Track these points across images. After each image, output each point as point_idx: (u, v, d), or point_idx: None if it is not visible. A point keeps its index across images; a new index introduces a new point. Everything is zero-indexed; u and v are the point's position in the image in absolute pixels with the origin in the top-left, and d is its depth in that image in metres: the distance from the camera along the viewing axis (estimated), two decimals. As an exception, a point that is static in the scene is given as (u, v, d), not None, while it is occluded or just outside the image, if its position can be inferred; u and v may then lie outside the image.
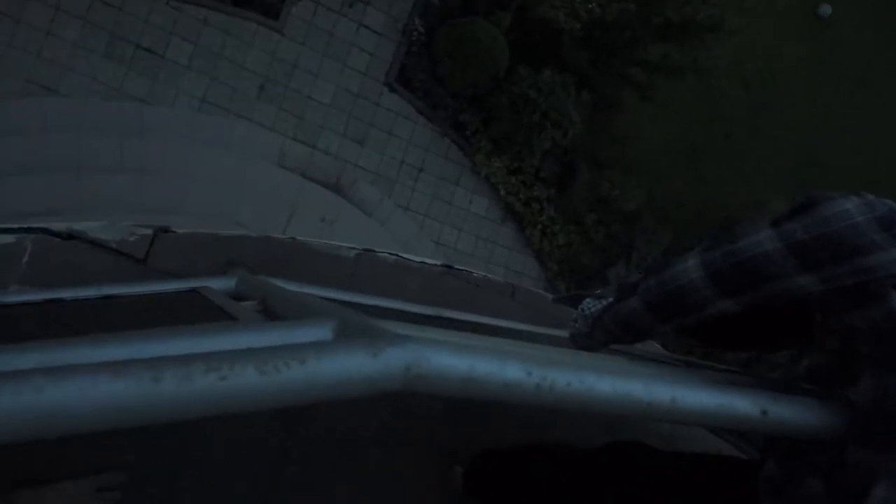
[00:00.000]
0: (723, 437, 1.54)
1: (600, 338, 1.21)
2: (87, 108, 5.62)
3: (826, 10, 8.84)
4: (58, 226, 1.46)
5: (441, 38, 6.70)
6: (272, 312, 1.05)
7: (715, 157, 8.20)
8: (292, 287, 1.48)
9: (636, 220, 7.27)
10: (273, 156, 6.28)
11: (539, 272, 7.59)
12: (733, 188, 8.18)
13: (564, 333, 1.57)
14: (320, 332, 0.76)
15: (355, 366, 0.61)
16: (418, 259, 1.82)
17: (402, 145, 6.89)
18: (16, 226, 1.44)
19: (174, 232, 1.57)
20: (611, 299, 1.20)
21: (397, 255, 1.79)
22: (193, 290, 1.36)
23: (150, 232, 1.54)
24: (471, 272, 1.90)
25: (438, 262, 1.83)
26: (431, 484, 1.74)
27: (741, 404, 0.82)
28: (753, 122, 8.45)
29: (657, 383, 0.77)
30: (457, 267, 1.87)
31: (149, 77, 5.88)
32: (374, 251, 1.76)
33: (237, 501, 1.56)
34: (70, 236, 1.48)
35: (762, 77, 8.48)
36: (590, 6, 6.67)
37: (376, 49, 6.71)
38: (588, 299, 1.25)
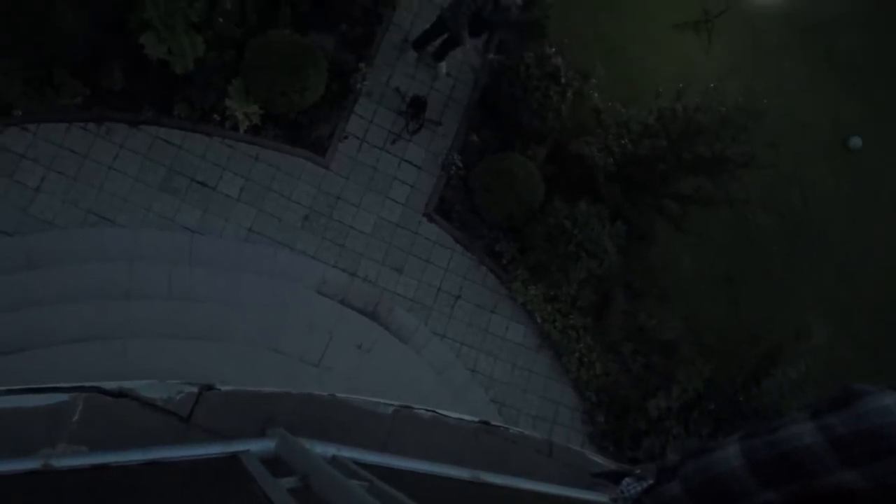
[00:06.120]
0: None
1: (640, 520, 1.19)
2: (141, 237, 5.90)
3: (856, 142, 9.01)
4: (109, 385, 1.52)
5: (479, 171, 6.98)
6: (313, 494, 1.06)
7: (751, 285, 8.15)
8: (330, 450, 1.50)
9: (674, 350, 7.15)
10: (314, 283, 6.44)
11: (576, 402, 7.42)
12: (771, 314, 8.06)
13: (603, 498, 1.54)
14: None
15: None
16: (455, 416, 1.82)
17: (440, 273, 7.02)
18: (69, 385, 1.50)
19: (218, 389, 1.62)
20: (651, 482, 1.19)
21: (434, 412, 1.80)
22: (233, 456, 1.38)
23: (195, 390, 1.59)
24: (507, 428, 1.89)
25: (475, 420, 1.83)
26: None
27: None
28: (789, 250, 8.44)
29: None
30: (493, 423, 1.86)
31: (200, 208, 6.19)
32: (411, 408, 1.77)
33: None
34: (121, 394, 1.54)
35: (796, 206, 8.54)
36: (622, 142, 6.92)
37: (416, 182, 7.00)
38: (628, 479, 1.24)
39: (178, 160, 6.14)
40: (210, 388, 1.63)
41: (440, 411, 1.81)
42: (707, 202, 7.02)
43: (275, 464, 1.40)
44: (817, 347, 7.28)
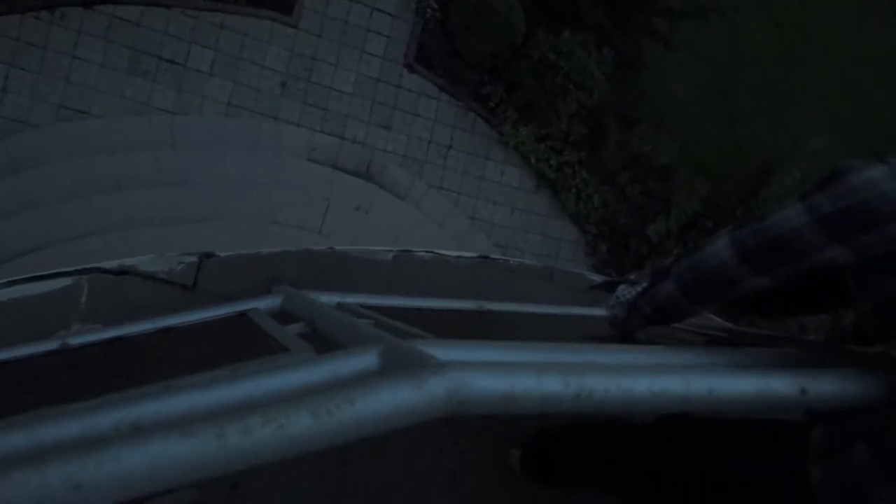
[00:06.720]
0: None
1: (637, 322, 1.24)
2: (119, 126, 5.76)
3: (853, -70, 8.45)
4: (110, 264, 1.53)
5: (455, 11, 6.65)
6: (320, 336, 1.10)
7: (747, 100, 8.00)
8: (335, 298, 1.54)
9: (671, 173, 7.16)
10: (302, 151, 6.35)
11: (578, 236, 7.56)
12: (769, 130, 7.98)
13: (603, 312, 1.59)
14: (367, 360, 0.80)
15: (401, 399, 0.65)
16: (454, 253, 1.85)
17: (428, 125, 6.90)
18: (71, 269, 1.51)
19: (218, 256, 1.64)
20: (645, 284, 1.22)
21: (433, 252, 1.82)
22: (242, 314, 1.42)
23: (195, 259, 1.61)
24: (507, 260, 1.92)
25: (475, 255, 1.86)
26: (489, 467, 1.80)
27: (779, 386, 0.84)
28: (787, 61, 8.19)
29: (693, 376, 0.80)
30: (493, 256, 1.89)
31: (174, 88, 5.99)
32: (410, 251, 1.79)
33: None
34: (122, 272, 1.55)
35: (794, 14, 8.19)
36: (603, -39, 6.52)
37: (392, 31, 6.70)
38: (623, 285, 1.27)
39: (141, 39, 5.86)
40: (210, 255, 1.65)
41: (439, 251, 1.84)
42: (697, 14, 6.73)
43: (282, 317, 1.44)
44: (815, 155, 7.26)
